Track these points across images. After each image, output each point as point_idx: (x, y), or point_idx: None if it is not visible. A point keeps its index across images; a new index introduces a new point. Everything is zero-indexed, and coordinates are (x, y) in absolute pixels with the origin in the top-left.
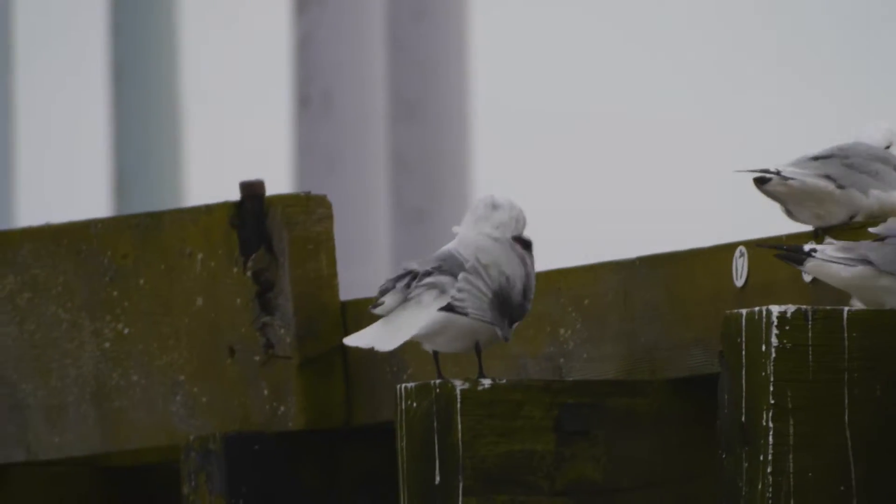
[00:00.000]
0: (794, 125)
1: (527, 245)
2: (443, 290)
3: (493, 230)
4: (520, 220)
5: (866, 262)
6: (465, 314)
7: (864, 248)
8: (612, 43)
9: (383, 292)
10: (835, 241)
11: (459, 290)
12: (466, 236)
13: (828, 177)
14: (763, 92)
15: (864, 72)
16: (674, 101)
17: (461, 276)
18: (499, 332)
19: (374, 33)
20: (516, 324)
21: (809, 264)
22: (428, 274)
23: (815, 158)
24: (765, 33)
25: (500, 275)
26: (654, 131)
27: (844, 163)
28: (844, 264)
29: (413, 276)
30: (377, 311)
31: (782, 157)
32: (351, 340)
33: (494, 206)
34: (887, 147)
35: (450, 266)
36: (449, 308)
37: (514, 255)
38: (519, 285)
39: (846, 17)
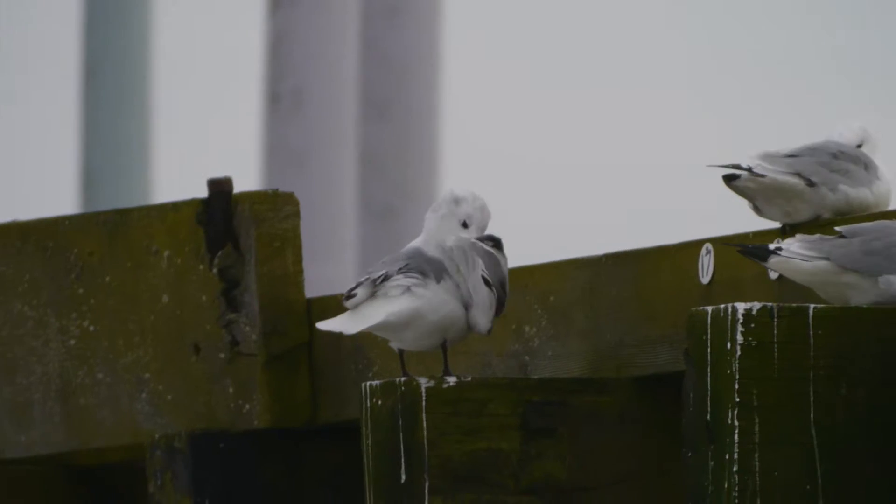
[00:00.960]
0: (763, 122)
1: (496, 243)
2: (408, 288)
3: (459, 227)
4: (484, 211)
5: (829, 258)
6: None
7: (829, 244)
8: (583, 39)
9: (354, 287)
10: (802, 237)
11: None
12: (432, 234)
13: (798, 174)
14: (731, 89)
15: (831, 71)
16: (641, 100)
17: (436, 270)
18: (480, 321)
19: (346, 32)
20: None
21: (773, 261)
22: (395, 273)
23: (786, 156)
24: (734, 32)
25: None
26: (621, 128)
27: (815, 160)
28: (808, 260)
29: (384, 276)
30: (348, 303)
31: (749, 154)
32: (322, 325)
33: (457, 201)
34: (858, 146)
35: (417, 264)
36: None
37: (483, 254)
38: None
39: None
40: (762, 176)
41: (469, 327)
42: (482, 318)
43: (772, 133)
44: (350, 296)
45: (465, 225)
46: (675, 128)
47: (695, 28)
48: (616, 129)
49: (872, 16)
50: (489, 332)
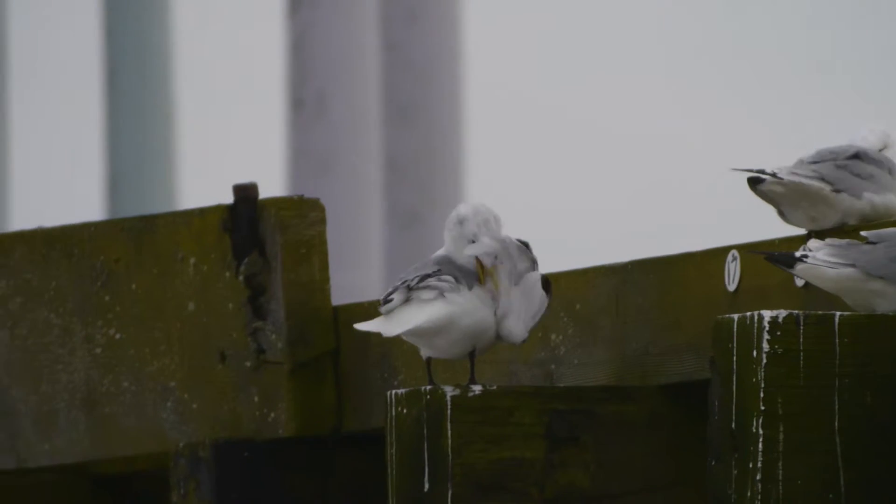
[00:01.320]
0: (789, 130)
1: (525, 246)
2: (442, 293)
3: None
4: (489, 223)
5: (856, 265)
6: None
7: (855, 251)
8: (607, 46)
9: (391, 293)
10: (821, 243)
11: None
12: (450, 251)
13: (822, 179)
14: (759, 96)
15: (861, 75)
16: (668, 105)
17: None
18: (517, 331)
19: (367, 35)
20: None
21: (800, 268)
22: (429, 276)
23: (810, 162)
24: (764, 37)
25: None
26: (647, 135)
27: (839, 165)
28: (834, 268)
29: (418, 280)
30: (384, 308)
31: (776, 161)
32: (361, 326)
33: (461, 222)
34: (881, 150)
35: (449, 270)
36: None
37: (514, 250)
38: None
39: (843, 19)
40: (786, 179)
41: (499, 336)
42: (518, 325)
43: (807, 137)
44: (387, 300)
45: (473, 242)
46: (704, 131)
47: (724, 28)
48: (644, 131)
49: None
50: (524, 340)
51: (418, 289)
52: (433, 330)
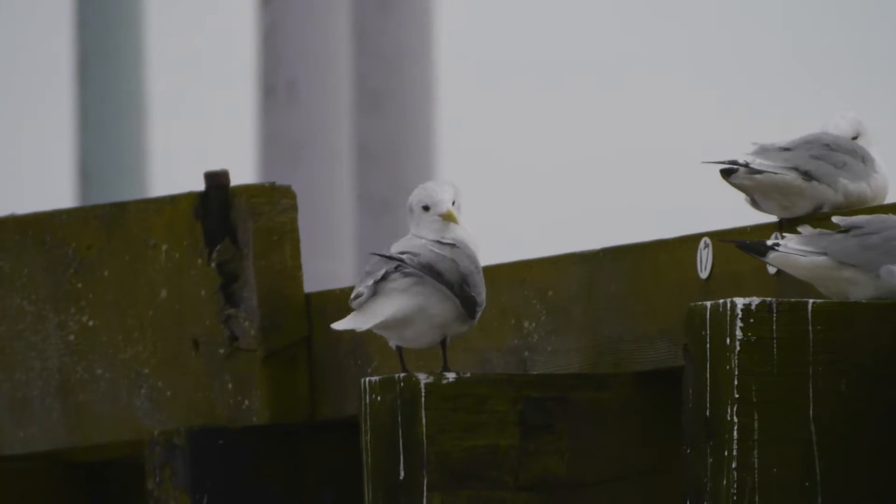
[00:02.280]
0: (761, 116)
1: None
2: (409, 286)
3: (427, 217)
4: (437, 192)
5: (827, 253)
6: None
7: (827, 239)
8: (578, 32)
9: (359, 287)
10: (802, 228)
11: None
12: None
13: (795, 168)
14: (733, 82)
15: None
16: (640, 93)
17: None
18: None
19: (339, 23)
20: (480, 308)
21: (772, 256)
22: (395, 269)
23: (782, 149)
24: (740, 26)
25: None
26: (620, 122)
27: (811, 154)
28: (806, 256)
29: (384, 275)
30: (354, 303)
31: (748, 147)
32: (337, 325)
33: (410, 209)
34: (854, 137)
35: (413, 260)
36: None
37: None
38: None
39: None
40: (759, 172)
41: (467, 323)
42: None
43: (776, 123)
44: (356, 296)
45: (426, 209)
46: (673, 120)
47: (695, 15)
48: (614, 120)
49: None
50: (474, 319)
51: (384, 281)
52: (402, 322)
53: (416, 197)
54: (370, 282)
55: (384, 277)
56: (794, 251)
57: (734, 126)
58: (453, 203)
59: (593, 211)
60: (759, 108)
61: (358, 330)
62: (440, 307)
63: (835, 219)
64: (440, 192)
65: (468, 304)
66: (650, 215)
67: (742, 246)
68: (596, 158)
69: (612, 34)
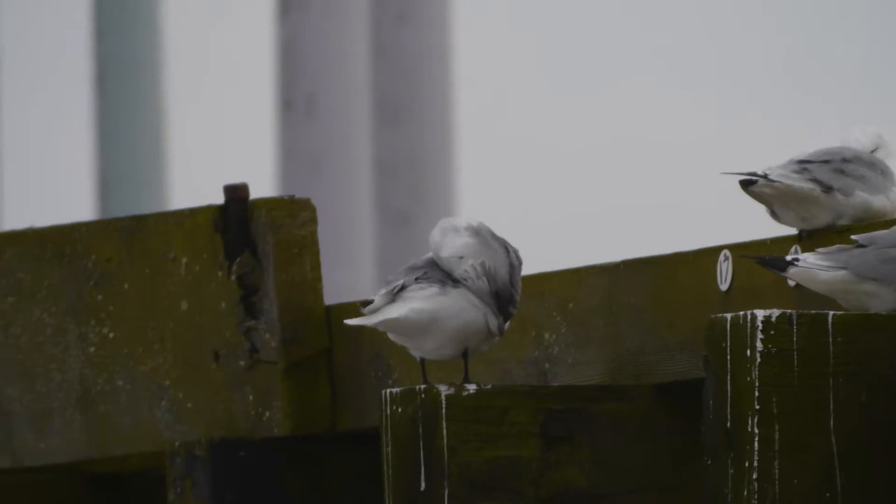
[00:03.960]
0: (781, 128)
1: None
2: (428, 295)
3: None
4: (453, 230)
5: (847, 267)
6: (472, 292)
7: (846, 254)
8: (597, 46)
9: (370, 301)
10: (812, 252)
11: (465, 272)
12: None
13: (814, 180)
14: (752, 95)
15: (854, 75)
16: (661, 105)
17: (466, 265)
18: (491, 323)
19: (357, 37)
20: (508, 322)
21: (792, 272)
22: (414, 281)
23: (802, 162)
24: (753, 38)
25: (494, 262)
26: (639, 134)
27: (831, 167)
28: (826, 271)
29: (402, 285)
30: (365, 310)
31: (768, 161)
32: (350, 321)
33: (435, 249)
34: (873, 151)
35: (434, 273)
36: (454, 280)
37: (500, 247)
38: (505, 276)
39: (837, 19)
40: (778, 182)
41: (491, 334)
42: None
43: (799, 136)
44: (367, 303)
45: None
46: (696, 130)
47: (728, 26)
48: (636, 129)
49: None
50: (501, 332)
51: (401, 293)
52: (417, 324)
53: (431, 240)
54: (385, 290)
55: (403, 287)
56: (814, 266)
57: (758, 139)
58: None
59: (615, 222)
60: (784, 123)
61: (368, 325)
62: (461, 318)
63: (853, 236)
64: (447, 247)
65: (503, 307)
66: (670, 227)
67: (762, 262)
68: (617, 168)
69: (635, 40)
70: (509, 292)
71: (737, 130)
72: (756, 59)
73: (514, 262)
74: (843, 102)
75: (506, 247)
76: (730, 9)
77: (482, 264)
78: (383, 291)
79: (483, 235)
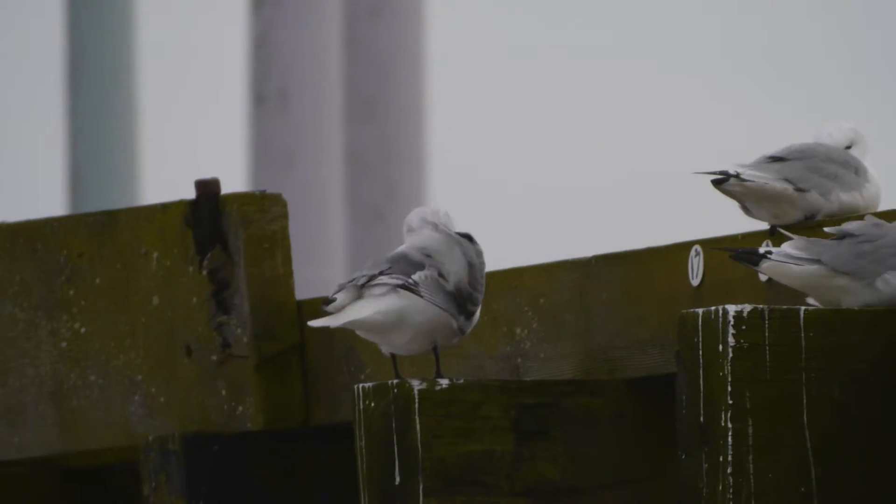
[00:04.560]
0: (755, 124)
1: (468, 238)
2: (393, 288)
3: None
4: (438, 216)
5: (820, 261)
6: (420, 295)
7: (819, 247)
8: (570, 39)
9: (337, 292)
10: (792, 237)
11: (418, 278)
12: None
13: (786, 179)
14: (726, 91)
15: (827, 71)
16: (633, 101)
17: (421, 272)
18: (454, 323)
19: (330, 31)
20: (474, 317)
21: (765, 265)
22: (381, 274)
23: (774, 159)
24: (734, 33)
25: (451, 265)
26: (611, 130)
27: (803, 165)
28: (799, 264)
29: (368, 278)
30: (329, 308)
31: (741, 156)
32: (313, 323)
33: (410, 230)
34: (847, 147)
35: (402, 267)
36: (405, 288)
37: (458, 245)
38: (464, 275)
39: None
40: (750, 181)
41: (460, 330)
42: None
43: (774, 131)
44: (330, 300)
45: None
46: (667, 128)
47: (700, 31)
48: (606, 128)
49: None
50: (464, 332)
51: (369, 286)
52: (384, 324)
53: (427, 231)
54: (350, 288)
55: (369, 281)
56: (786, 259)
57: (732, 135)
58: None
59: (585, 218)
60: (757, 117)
61: (331, 326)
62: (427, 314)
63: (827, 228)
64: (416, 222)
65: (463, 305)
66: (641, 222)
67: (735, 256)
68: (588, 166)
69: (606, 41)
70: (468, 291)
71: (710, 125)
72: (730, 50)
73: (473, 260)
74: (820, 96)
75: (462, 244)
76: (700, 5)
77: (428, 276)
78: (348, 285)
79: (441, 231)
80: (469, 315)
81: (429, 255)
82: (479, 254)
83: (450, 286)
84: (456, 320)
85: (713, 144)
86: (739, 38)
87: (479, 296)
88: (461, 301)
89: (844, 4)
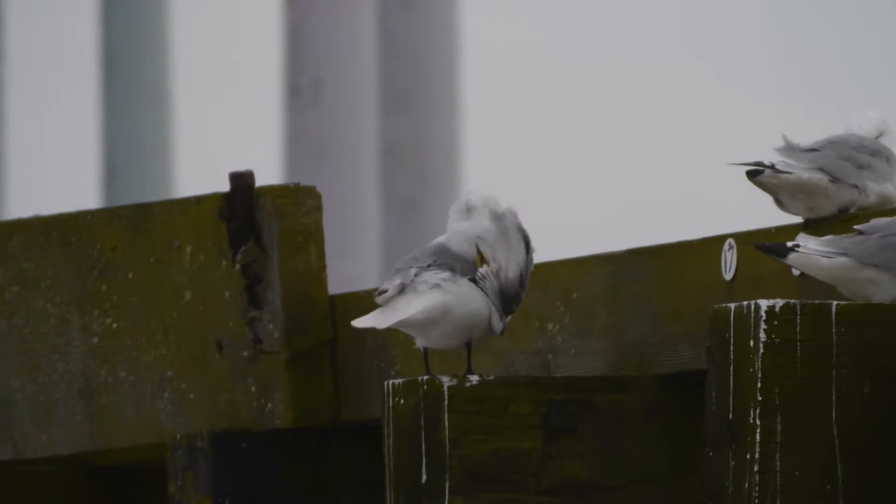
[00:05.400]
0: (786, 117)
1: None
2: (437, 284)
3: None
4: (495, 209)
5: (848, 254)
6: (486, 293)
7: (848, 241)
8: (605, 31)
9: (385, 284)
10: (814, 238)
11: (482, 274)
12: (452, 235)
13: (821, 169)
14: (757, 84)
15: (858, 63)
16: (665, 94)
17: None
18: (496, 323)
19: (364, 22)
20: (509, 317)
21: (792, 257)
22: (425, 269)
23: (808, 150)
24: (760, 25)
25: (504, 261)
26: (644, 123)
27: (837, 155)
28: (827, 257)
29: (413, 273)
30: (379, 299)
31: (775, 142)
32: (357, 322)
33: (468, 209)
34: (878, 137)
35: (444, 260)
36: (472, 280)
37: (514, 243)
38: (516, 271)
39: (845, 10)
40: (787, 173)
41: (491, 328)
42: (494, 318)
43: (802, 122)
44: (381, 292)
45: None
46: (701, 119)
47: (724, 22)
48: (642, 120)
49: None
50: (501, 332)
51: (412, 281)
52: (428, 320)
53: (485, 217)
54: (398, 280)
55: (415, 275)
56: (814, 252)
57: (757, 123)
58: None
59: (619, 210)
60: (784, 104)
61: (378, 328)
62: (469, 307)
63: (856, 226)
64: (465, 224)
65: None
66: (676, 214)
67: (762, 248)
68: (622, 158)
69: (638, 33)
70: (516, 291)
71: (746, 119)
72: (768, 45)
73: (530, 261)
74: (847, 93)
75: (527, 242)
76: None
77: (497, 271)
78: (393, 276)
79: (503, 224)
80: (510, 314)
81: (481, 246)
82: (531, 254)
83: (498, 282)
84: (498, 316)
85: (750, 138)
86: (781, 33)
87: (524, 295)
88: (507, 300)
89: None
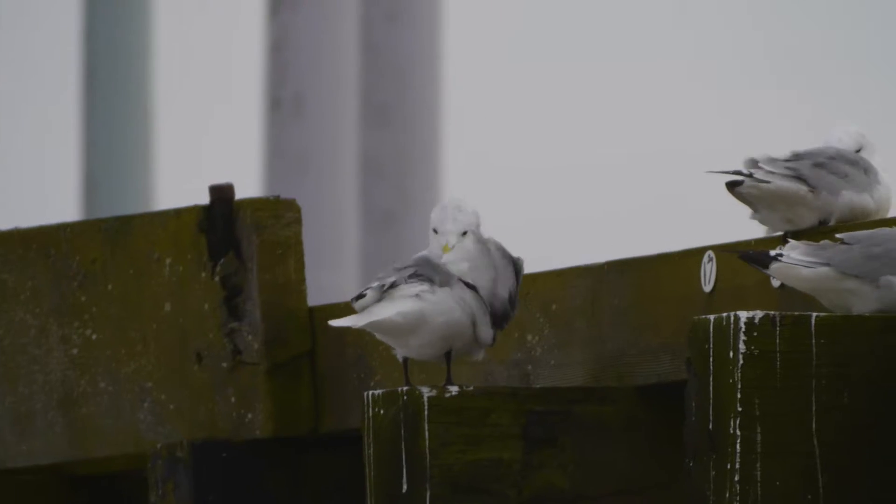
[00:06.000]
0: (766, 128)
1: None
2: (416, 294)
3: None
4: (457, 217)
5: (830, 264)
6: (475, 288)
7: (830, 251)
8: (584, 44)
9: (364, 290)
10: (798, 243)
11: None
12: (432, 246)
13: (799, 178)
14: (737, 95)
15: (837, 73)
16: (644, 106)
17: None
18: (485, 331)
19: (346, 36)
20: (497, 333)
21: (774, 267)
22: (405, 280)
23: (786, 160)
24: (742, 37)
25: (482, 280)
26: (623, 135)
27: (815, 165)
28: (809, 266)
29: (392, 283)
30: (357, 304)
31: (751, 154)
32: (334, 322)
33: (442, 232)
34: (857, 150)
35: (425, 271)
36: (469, 287)
37: (498, 261)
38: (506, 294)
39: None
40: (765, 182)
41: (476, 339)
42: (485, 328)
43: (785, 131)
44: (360, 296)
45: (435, 231)
46: (679, 130)
47: (707, 33)
48: (620, 128)
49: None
50: (492, 342)
51: (391, 288)
52: (405, 325)
53: (433, 216)
54: (376, 284)
55: (393, 285)
56: (796, 262)
57: (739, 129)
58: (464, 233)
59: (598, 220)
60: (762, 111)
61: (354, 326)
62: (447, 316)
63: (839, 234)
64: (449, 221)
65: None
66: (655, 223)
67: (745, 257)
68: (602, 166)
69: (620, 42)
70: (506, 308)
71: (724, 131)
72: (748, 54)
73: (519, 279)
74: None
75: (515, 265)
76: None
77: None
78: (374, 285)
79: (486, 246)
80: (500, 328)
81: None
82: (520, 271)
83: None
84: (489, 330)
85: (729, 150)
86: (765, 44)
87: (514, 315)
88: (497, 318)
89: None
